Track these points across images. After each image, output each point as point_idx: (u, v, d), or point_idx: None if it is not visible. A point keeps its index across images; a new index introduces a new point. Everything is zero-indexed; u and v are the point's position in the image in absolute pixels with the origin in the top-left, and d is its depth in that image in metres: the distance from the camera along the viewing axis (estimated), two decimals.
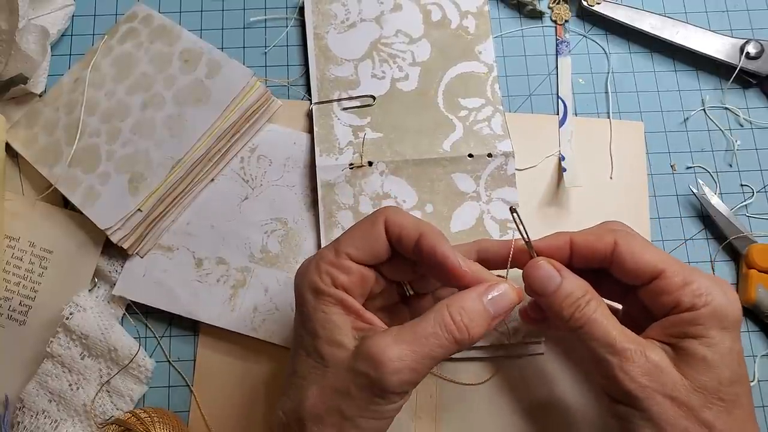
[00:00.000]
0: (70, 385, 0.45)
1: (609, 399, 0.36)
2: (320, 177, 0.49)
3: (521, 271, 0.38)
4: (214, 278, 0.48)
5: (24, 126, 0.51)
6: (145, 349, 0.47)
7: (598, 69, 0.54)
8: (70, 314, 0.45)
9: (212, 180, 0.50)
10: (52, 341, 0.45)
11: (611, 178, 0.51)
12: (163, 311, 0.47)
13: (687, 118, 0.53)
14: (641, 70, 0.54)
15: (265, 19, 0.55)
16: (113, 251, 0.48)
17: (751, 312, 0.48)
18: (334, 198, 0.49)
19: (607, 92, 0.53)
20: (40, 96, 0.52)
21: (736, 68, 0.52)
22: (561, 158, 0.51)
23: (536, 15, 0.55)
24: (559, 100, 0.53)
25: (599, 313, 0.35)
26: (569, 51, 0.54)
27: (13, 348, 0.47)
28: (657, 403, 0.33)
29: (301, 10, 0.55)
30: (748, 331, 0.48)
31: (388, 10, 0.54)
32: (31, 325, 0.47)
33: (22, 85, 0.50)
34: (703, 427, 0.33)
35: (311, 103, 0.52)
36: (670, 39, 0.53)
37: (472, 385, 0.46)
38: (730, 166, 0.52)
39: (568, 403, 0.45)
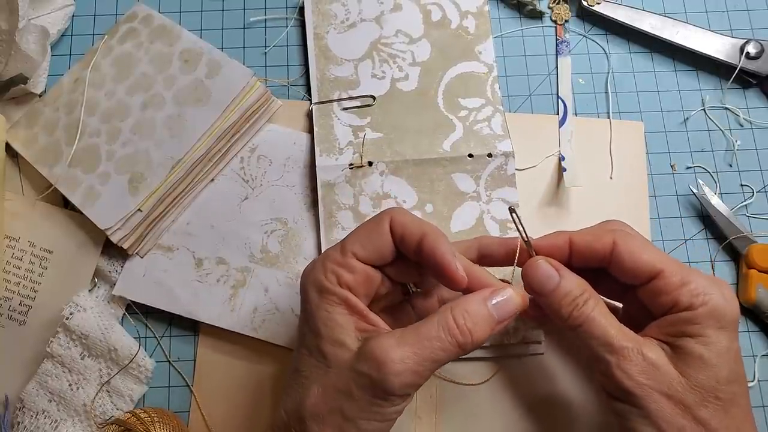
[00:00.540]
0: (70, 385, 0.45)
1: (607, 396, 0.36)
2: (320, 177, 0.49)
3: (520, 269, 0.39)
4: (214, 278, 0.48)
5: (24, 126, 0.51)
6: (145, 349, 0.47)
7: (598, 69, 0.54)
8: (70, 314, 0.45)
9: (212, 180, 0.50)
10: (52, 341, 0.45)
11: (611, 178, 0.51)
12: (163, 311, 0.47)
13: (687, 118, 0.53)
14: (641, 70, 0.54)
15: (265, 19, 0.55)
16: (113, 251, 0.48)
17: (751, 312, 0.48)
18: (334, 198, 0.49)
19: (607, 92, 0.53)
20: (40, 96, 0.52)
21: (736, 68, 0.52)
22: (561, 158, 0.51)
23: (536, 15, 0.55)
24: (559, 100, 0.53)
25: (597, 311, 0.36)
26: (569, 51, 0.54)
27: (13, 348, 0.47)
28: (654, 401, 0.34)
29: (301, 10, 0.55)
30: (748, 331, 0.48)
31: (388, 10, 0.54)
32: (31, 325, 0.47)
33: (22, 85, 0.50)
34: (699, 424, 0.33)
35: (311, 103, 0.52)
36: (670, 39, 0.53)
37: (472, 385, 0.46)
38: (730, 166, 0.52)
39: (568, 403, 0.45)
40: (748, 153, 0.52)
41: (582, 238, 0.38)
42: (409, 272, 0.39)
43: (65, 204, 0.50)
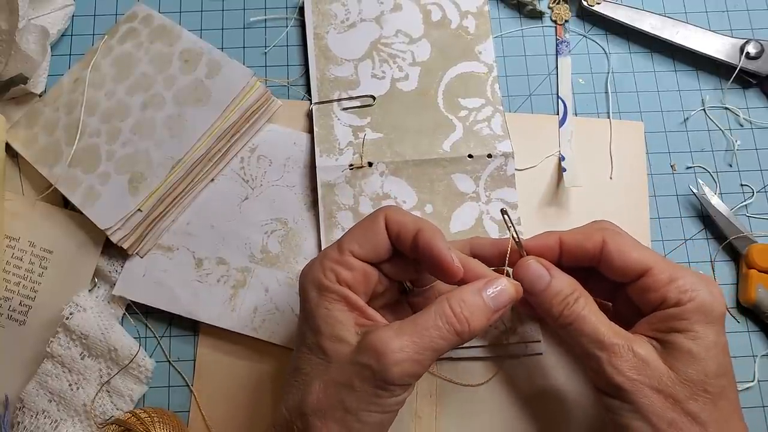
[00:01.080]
0: (70, 385, 0.45)
1: (598, 393, 0.37)
2: (320, 177, 0.49)
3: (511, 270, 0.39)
4: (214, 278, 0.48)
5: (24, 126, 0.51)
6: (145, 349, 0.47)
7: (598, 69, 0.54)
8: (70, 314, 0.45)
9: (212, 180, 0.50)
10: (52, 341, 0.45)
11: (611, 178, 0.51)
12: (163, 311, 0.47)
13: (687, 118, 0.53)
14: (641, 70, 0.54)
15: (265, 19, 0.55)
16: (113, 251, 0.48)
17: (751, 312, 0.48)
18: (334, 198, 0.49)
19: (607, 92, 0.53)
20: (40, 96, 0.52)
21: (736, 68, 0.52)
22: (561, 158, 0.51)
23: (536, 15, 0.55)
24: (559, 100, 0.53)
25: (588, 309, 0.36)
26: (569, 51, 0.54)
27: (13, 348, 0.47)
28: (645, 396, 0.34)
29: (301, 10, 0.55)
30: (748, 331, 0.48)
31: (388, 10, 0.54)
32: (31, 325, 0.47)
33: (22, 85, 0.50)
34: (688, 418, 0.34)
35: (311, 103, 0.52)
36: (670, 39, 0.53)
37: (472, 386, 0.46)
38: (730, 166, 0.52)
39: (568, 402, 0.45)
40: (748, 153, 0.52)
41: (572, 237, 0.39)
42: (406, 269, 0.40)
43: (65, 204, 0.50)
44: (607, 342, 0.35)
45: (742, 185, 0.51)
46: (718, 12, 0.56)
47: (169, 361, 0.47)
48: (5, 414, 0.45)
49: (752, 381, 0.47)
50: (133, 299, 0.47)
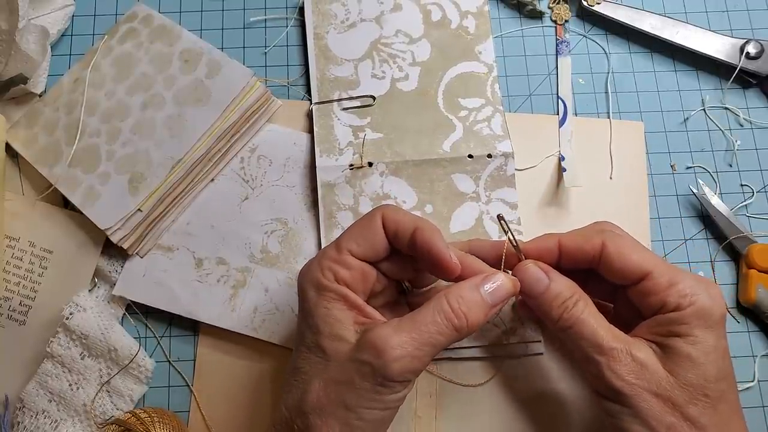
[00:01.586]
0: (70, 385, 0.45)
1: (598, 396, 0.37)
2: (320, 177, 0.49)
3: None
4: (214, 278, 0.48)
5: (24, 126, 0.51)
6: (145, 349, 0.47)
7: (598, 69, 0.54)
8: (70, 314, 0.45)
9: (212, 180, 0.50)
10: (52, 341, 0.45)
11: (611, 178, 0.51)
12: (163, 311, 0.47)
13: (687, 118, 0.53)
14: (641, 70, 0.54)
15: (265, 19, 0.55)
16: (113, 251, 0.48)
17: (751, 312, 0.48)
18: (334, 198, 0.49)
19: (607, 92, 0.53)
20: (40, 96, 0.52)
21: (736, 68, 0.52)
22: (561, 158, 0.51)
23: (536, 15, 0.55)
24: (559, 100, 0.53)
25: (587, 313, 0.36)
26: (569, 51, 0.54)
27: (13, 348, 0.47)
28: (644, 400, 0.34)
29: (301, 10, 0.55)
30: (748, 331, 0.48)
31: (388, 10, 0.54)
32: (31, 325, 0.47)
33: (22, 85, 0.50)
34: (688, 422, 0.34)
35: (311, 103, 0.52)
36: (670, 39, 0.53)
37: (472, 386, 0.46)
38: (730, 166, 0.52)
39: (568, 403, 0.45)
40: (748, 153, 0.52)
41: (571, 240, 0.39)
42: (404, 268, 0.40)
43: (65, 204, 0.50)
44: (606, 346, 0.35)
45: (742, 185, 0.51)
46: (718, 12, 0.56)
47: (169, 361, 0.47)
48: (5, 414, 0.45)
49: (752, 381, 0.47)
50: (133, 299, 0.47)
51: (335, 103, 0.51)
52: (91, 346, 0.45)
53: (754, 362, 0.47)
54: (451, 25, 0.54)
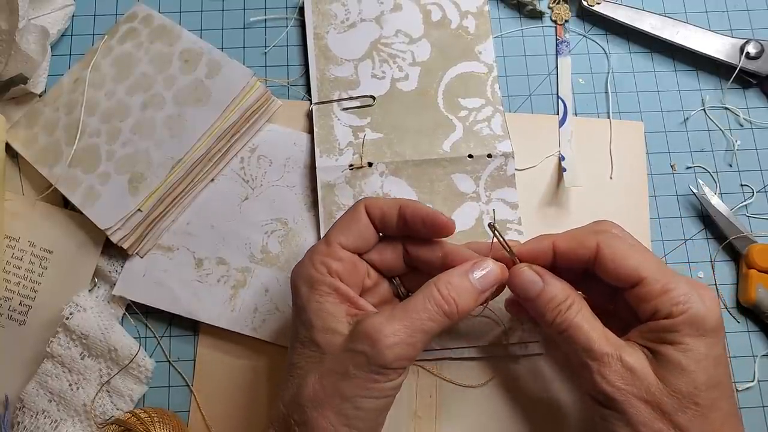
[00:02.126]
0: (70, 385, 0.45)
1: (591, 400, 0.37)
2: (320, 178, 0.49)
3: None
4: (214, 278, 0.48)
5: (24, 126, 0.51)
6: (145, 349, 0.47)
7: (598, 69, 0.54)
8: (70, 314, 0.45)
9: (212, 180, 0.50)
10: (52, 341, 0.45)
11: (611, 178, 0.51)
12: (163, 311, 0.47)
13: (687, 118, 0.53)
14: (641, 70, 0.54)
15: (265, 19, 0.55)
16: (113, 251, 0.48)
17: (751, 312, 0.48)
18: (334, 199, 0.49)
19: (607, 92, 0.53)
20: (40, 96, 0.52)
21: (736, 68, 0.52)
22: (561, 158, 0.51)
23: (536, 15, 0.55)
24: (559, 100, 0.53)
25: (581, 316, 0.36)
26: (569, 51, 0.54)
27: (13, 348, 0.47)
28: (632, 406, 0.34)
29: (301, 10, 0.55)
30: (748, 331, 0.48)
31: (388, 10, 0.54)
32: (31, 325, 0.47)
33: (22, 85, 0.50)
34: (677, 430, 0.34)
35: (311, 103, 0.52)
36: (670, 39, 0.53)
37: (472, 386, 0.46)
38: (730, 166, 0.52)
39: (567, 403, 0.45)
40: (748, 153, 0.52)
41: (565, 243, 0.39)
42: (393, 259, 0.41)
43: (65, 204, 0.50)
44: (597, 351, 0.35)
45: (742, 185, 0.51)
46: (718, 12, 0.56)
47: (169, 361, 0.47)
48: (5, 414, 0.45)
49: (752, 381, 0.47)
50: (133, 299, 0.47)
51: (335, 103, 0.51)
52: (91, 346, 0.45)
53: (754, 362, 0.47)
54: (451, 25, 0.54)
